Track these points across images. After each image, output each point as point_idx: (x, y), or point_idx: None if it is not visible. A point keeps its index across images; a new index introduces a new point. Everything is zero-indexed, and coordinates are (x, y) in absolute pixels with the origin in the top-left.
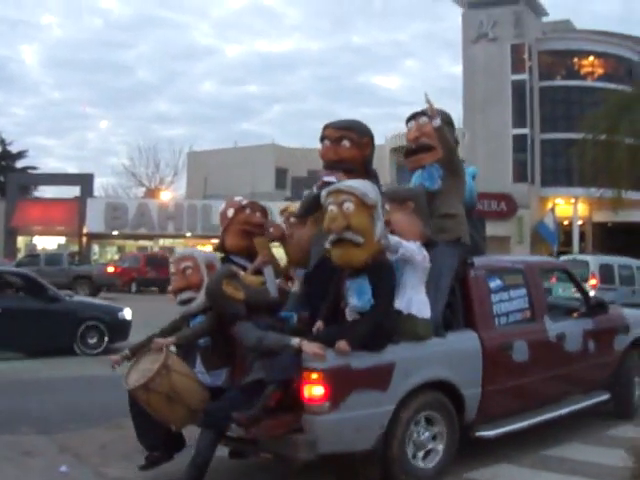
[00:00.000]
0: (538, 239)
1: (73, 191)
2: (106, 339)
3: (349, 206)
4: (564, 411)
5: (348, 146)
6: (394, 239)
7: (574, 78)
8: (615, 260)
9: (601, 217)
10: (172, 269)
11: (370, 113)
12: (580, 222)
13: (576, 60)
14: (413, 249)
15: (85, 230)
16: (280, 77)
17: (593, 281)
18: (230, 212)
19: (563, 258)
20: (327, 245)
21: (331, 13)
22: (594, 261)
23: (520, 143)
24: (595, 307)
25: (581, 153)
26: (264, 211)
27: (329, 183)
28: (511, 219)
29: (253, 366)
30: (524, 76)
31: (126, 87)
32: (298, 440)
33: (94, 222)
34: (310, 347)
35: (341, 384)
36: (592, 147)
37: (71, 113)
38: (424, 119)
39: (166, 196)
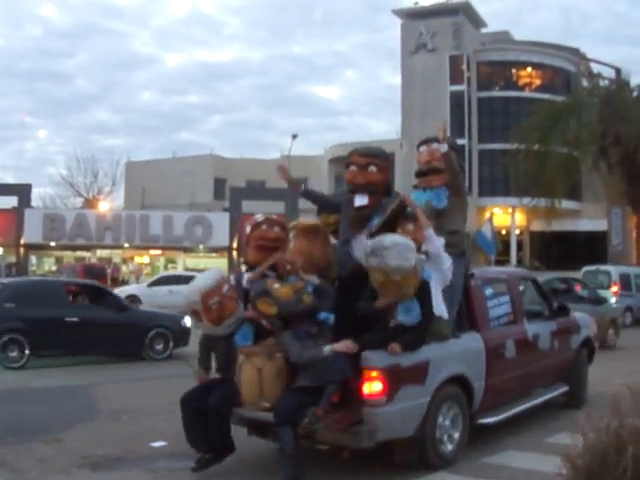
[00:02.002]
0: (476, 249)
1: (11, 201)
2: (171, 345)
3: (398, 279)
4: (539, 400)
5: (375, 171)
6: (439, 244)
7: (512, 89)
8: (631, 270)
9: (538, 226)
10: (214, 298)
11: (310, 123)
12: (518, 231)
13: (514, 71)
14: (448, 258)
15: (23, 241)
16: (220, 87)
17: (615, 288)
18: (248, 229)
19: (586, 269)
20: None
21: (271, 23)
22: (615, 271)
23: (458, 154)
24: (557, 311)
25: (514, 163)
26: (282, 225)
27: (365, 206)
28: None
29: (299, 373)
30: (462, 87)
31: (65, 96)
32: (361, 430)
33: (32, 233)
34: (341, 346)
35: (394, 380)
36: (524, 157)
37: (9, 122)
38: (436, 145)
39: (104, 207)
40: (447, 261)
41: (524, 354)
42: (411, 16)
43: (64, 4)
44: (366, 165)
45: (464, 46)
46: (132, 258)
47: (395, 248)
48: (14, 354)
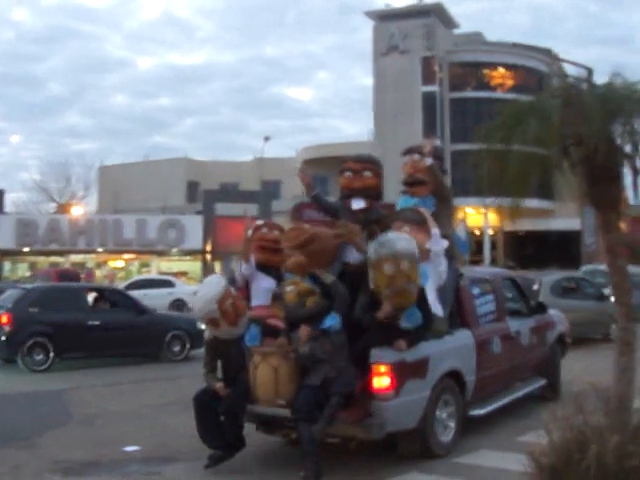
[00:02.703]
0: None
1: None
2: (187, 346)
3: (406, 265)
4: (520, 393)
5: (370, 176)
6: (443, 245)
7: (484, 89)
8: (630, 269)
9: (512, 226)
10: (214, 314)
11: (282, 125)
12: (491, 231)
13: (486, 72)
14: (444, 260)
15: None
16: (192, 89)
17: None
18: (249, 233)
19: (585, 268)
20: (386, 294)
21: (244, 25)
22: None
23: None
24: (535, 308)
25: (477, 163)
26: (281, 229)
27: (362, 209)
28: None
29: (310, 371)
30: (434, 88)
31: (37, 100)
32: (371, 423)
33: (5, 239)
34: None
35: (400, 375)
36: (487, 157)
37: None
38: (417, 156)
39: (77, 211)
40: (444, 262)
41: (508, 349)
42: (383, 18)
43: (36, 8)
44: (361, 170)
45: (436, 47)
46: (106, 262)
47: (400, 238)
48: (39, 357)
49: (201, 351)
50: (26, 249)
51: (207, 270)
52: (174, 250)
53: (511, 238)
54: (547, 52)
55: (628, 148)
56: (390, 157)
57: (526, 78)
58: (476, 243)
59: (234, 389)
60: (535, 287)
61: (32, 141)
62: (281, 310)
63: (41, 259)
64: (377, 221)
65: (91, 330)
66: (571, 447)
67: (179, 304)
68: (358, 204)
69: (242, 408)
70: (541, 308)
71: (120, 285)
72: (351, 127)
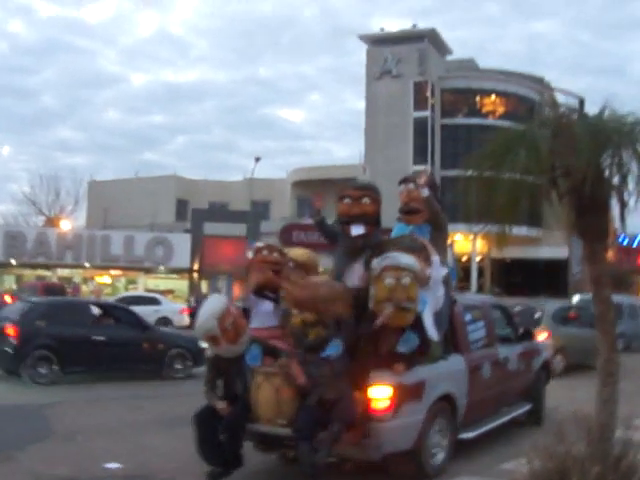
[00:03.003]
0: None
1: None
2: (189, 364)
3: (407, 281)
4: (508, 417)
5: (369, 203)
6: (443, 272)
7: (476, 116)
8: (624, 299)
9: (499, 253)
10: (214, 331)
11: (274, 146)
12: (479, 258)
13: (478, 98)
14: (442, 286)
15: None
16: (185, 108)
17: None
18: (250, 254)
19: (583, 297)
20: (387, 308)
21: (238, 45)
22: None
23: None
24: (522, 335)
25: (465, 190)
26: (280, 251)
27: (361, 235)
28: None
29: (311, 392)
30: (426, 113)
31: (29, 113)
32: (369, 444)
33: None
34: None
35: (398, 397)
36: (475, 185)
37: None
38: (411, 186)
39: (65, 225)
40: (441, 289)
41: (497, 375)
42: (377, 42)
43: (31, 20)
44: (360, 197)
45: (429, 73)
46: (93, 278)
47: (403, 255)
48: (43, 370)
49: (203, 369)
50: (13, 261)
51: (194, 289)
52: (161, 268)
53: (498, 265)
54: (539, 80)
55: (616, 180)
56: (381, 181)
57: (518, 105)
58: (463, 270)
59: (235, 408)
60: (537, 315)
61: (23, 153)
62: (290, 328)
63: (28, 272)
64: (376, 247)
65: (96, 345)
66: (552, 477)
67: (165, 322)
68: (357, 230)
69: (242, 427)
70: (528, 335)
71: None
72: (342, 150)
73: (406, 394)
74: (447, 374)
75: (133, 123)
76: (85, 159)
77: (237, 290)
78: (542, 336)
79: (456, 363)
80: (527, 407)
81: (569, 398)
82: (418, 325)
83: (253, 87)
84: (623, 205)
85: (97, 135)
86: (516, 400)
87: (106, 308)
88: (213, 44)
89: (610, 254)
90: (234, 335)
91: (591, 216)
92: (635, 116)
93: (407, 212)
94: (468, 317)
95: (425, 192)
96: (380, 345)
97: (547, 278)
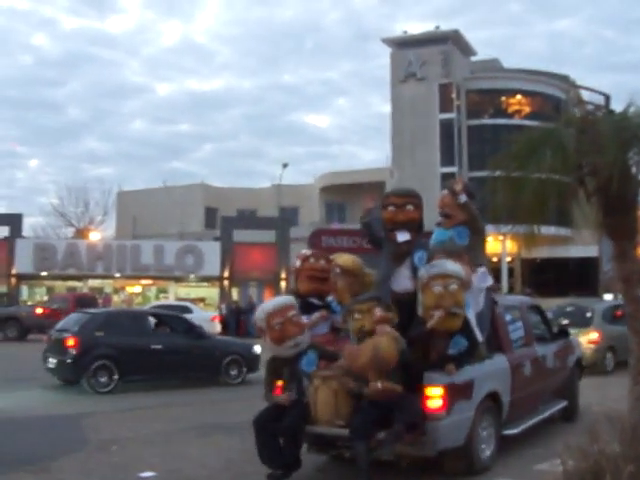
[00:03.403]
0: None
1: (2, 231)
2: (244, 370)
3: (454, 288)
4: (547, 414)
5: (412, 209)
6: (488, 282)
7: (502, 116)
8: None
9: (529, 253)
10: (277, 319)
11: (300, 152)
12: (509, 259)
13: (504, 99)
14: (483, 291)
15: (14, 271)
16: (211, 116)
17: None
18: (297, 263)
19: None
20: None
21: (262, 52)
22: None
23: (448, 181)
24: (557, 334)
25: (492, 192)
26: (327, 258)
27: (406, 241)
28: None
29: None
30: (452, 115)
31: (56, 125)
32: (426, 442)
33: (23, 263)
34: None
35: (451, 396)
36: (502, 186)
37: (0, 152)
38: (444, 192)
39: (95, 236)
40: (482, 294)
41: (536, 373)
42: (400, 45)
43: (55, 33)
44: (404, 205)
45: (453, 74)
46: (123, 288)
47: (449, 262)
48: (104, 379)
49: (257, 375)
50: (44, 273)
51: (224, 296)
52: (192, 276)
53: (529, 265)
54: (564, 78)
55: None
56: (408, 184)
57: (543, 105)
58: (493, 270)
59: (293, 411)
60: (588, 314)
61: (51, 165)
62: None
63: (59, 283)
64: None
65: (153, 354)
66: (586, 477)
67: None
68: (403, 237)
69: (301, 429)
70: (563, 333)
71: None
72: (369, 154)
73: (457, 393)
74: (492, 373)
75: (159, 132)
76: (113, 170)
77: (268, 296)
78: (593, 335)
79: (500, 362)
80: (563, 404)
81: (602, 397)
82: (466, 328)
83: (278, 93)
84: None
85: (124, 145)
86: (552, 397)
87: (161, 317)
88: (236, 51)
89: None
90: (279, 336)
91: (619, 215)
92: None
93: (442, 216)
94: (508, 317)
95: (462, 198)
96: (431, 349)
97: (577, 277)
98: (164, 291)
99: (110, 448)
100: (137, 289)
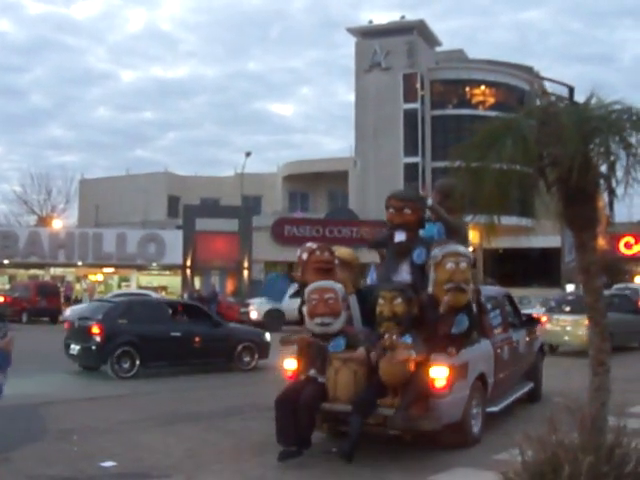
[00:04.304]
0: None
1: None
2: (256, 357)
3: (464, 265)
4: (518, 394)
5: (409, 213)
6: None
7: (466, 107)
8: None
9: (491, 243)
10: (314, 295)
11: (265, 140)
12: (471, 249)
13: (468, 89)
14: None
15: None
16: (175, 103)
17: None
18: (304, 256)
19: (616, 286)
20: (446, 287)
21: (227, 40)
22: None
23: (411, 171)
24: (527, 322)
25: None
26: (331, 250)
27: (401, 242)
28: None
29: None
30: (416, 105)
31: (19, 112)
32: (432, 416)
33: None
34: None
35: (452, 376)
36: (463, 176)
37: None
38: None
39: (57, 224)
40: None
41: (512, 356)
42: (365, 34)
43: (20, 19)
44: (402, 208)
45: (418, 65)
46: (86, 276)
47: (459, 245)
48: (126, 365)
49: (268, 361)
50: (6, 261)
51: (186, 285)
52: (154, 264)
53: (491, 255)
54: (529, 69)
55: (604, 168)
56: (371, 174)
57: (507, 96)
58: None
59: (311, 389)
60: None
61: (13, 153)
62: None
63: (21, 272)
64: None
65: (173, 341)
66: (544, 468)
67: None
68: (400, 237)
69: (317, 406)
70: (531, 321)
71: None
72: (333, 143)
73: (457, 374)
74: (481, 356)
75: (123, 120)
76: (76, 157)
77: (230, 285)
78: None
79: (485, 346)
80: (531, 385)
81: (564, 387)
82: (468, 307)
83: (243, 81)
84: (611, 193)
85: (88, 133)
86: (523, 379)
87: (179, 306)
88: (202, 39)
89: (601, 243)
90: (311, 311)
91: (579, 205)
92: (622, 104)
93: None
94: (489, 306)
95: (429, 202)
96: (438, 328)
97: (540, 268)
98: (126, 279)
99: (71, 437)
100: (99, 277)
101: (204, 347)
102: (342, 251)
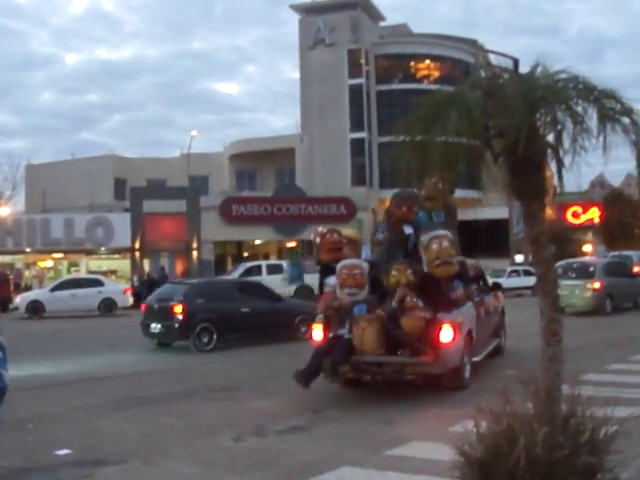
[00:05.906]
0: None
1: None
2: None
3: (446, 244)
4: (490, 347)
5: (415, 210)
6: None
7: (411, 81)
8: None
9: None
10: (345, 270)
11: (210, 120)
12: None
13: (413, 64)
14: None
15: None
16: (120, 85)
17: (637, 268)
18: (317, 239)
19: (612, 254)
20: (436, 263)
21: (171, 19)
22: (636, 255)
23: (358, 147)
24: (494, 287)
25: (399, 156)
26: (338, 232)
27: (410, 234)
28: (350, 222)
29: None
30: (361, 80)
31: None
32: (440, 362)
33: None
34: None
35: (456, 330)
36: (409, 149)
37: None
38: (430, 180)
39: (4, 211)
40: None
41: (486, 317)
42: (309, 11)
43: None
44: (412, 207)
45: (362, 40)
46: (35, 263)
47: (439, 230)
48: (206, 339)
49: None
50: None
51: (136, 268)
52: (102, 249)
53: None
54: (474, 43)
55: (551, 138)
56: (317, 150)
57: (452, 69)
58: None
59: (341, 344)
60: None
61: None
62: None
63: None
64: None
65: (243, 316)
66: (499, 440)
67: (109, 303)
68: (409, 231)
69: (345, 357)
70: (498, 287)
71: (49, 285)
72: (279, 120)
73: (457, 329)
74: (468, 315)
75: (68, 103)
76: (22, 143)
77: (180, 266)
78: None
79: (469, 308)
80: (497, 341)
81: (517, 360)
82: (461, 274)
83: (187, 61)
84: (559, 163)
85: (33, 118)
86: (492, 336)
87: (246, 285)
88: (145, 19)
89: (550, 213)
90: (341, 283)
91: (526, 176)
92: (568, 73)
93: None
94: (470, 274)
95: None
96: (441, 292)
97: (488, 239)
98: (75, 265)
99: (26, 426)
100: (49, 263)
101: (269, 320)
102: (348, 232)
